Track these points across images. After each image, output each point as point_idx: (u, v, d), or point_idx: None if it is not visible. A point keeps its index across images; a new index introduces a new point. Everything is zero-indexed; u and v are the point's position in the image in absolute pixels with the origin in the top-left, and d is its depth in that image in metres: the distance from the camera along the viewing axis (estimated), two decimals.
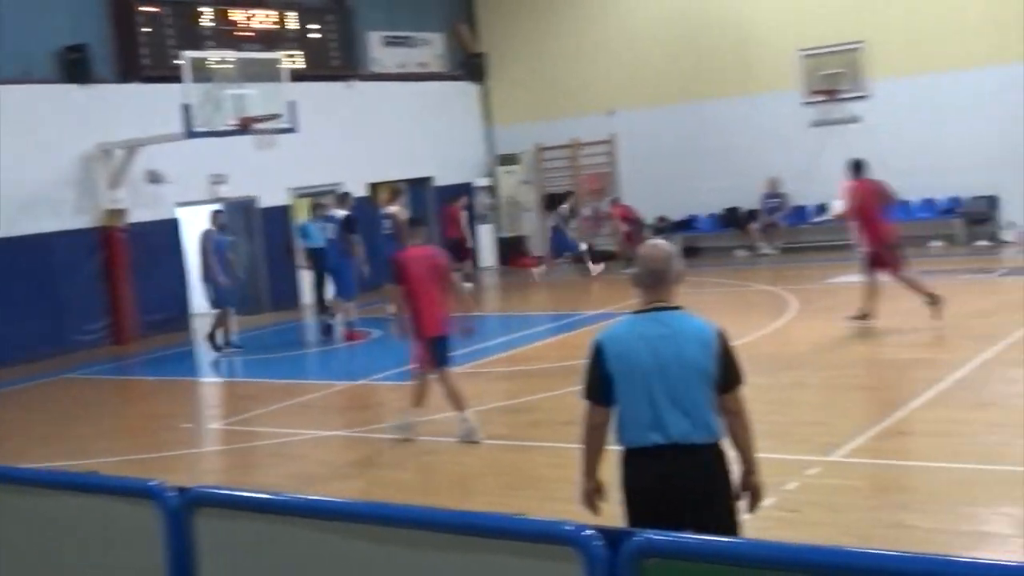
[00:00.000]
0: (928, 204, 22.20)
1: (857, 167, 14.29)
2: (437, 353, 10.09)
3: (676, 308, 4.98)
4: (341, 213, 17.26)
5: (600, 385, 4.99)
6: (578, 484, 5.24)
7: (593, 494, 5.23)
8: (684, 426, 4.82)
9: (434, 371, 10.18)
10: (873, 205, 13.70)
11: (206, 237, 16.51)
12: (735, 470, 5.04)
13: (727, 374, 4.91)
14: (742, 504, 5.05)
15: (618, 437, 5.01)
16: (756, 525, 7.13)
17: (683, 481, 4.81)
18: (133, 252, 19.05)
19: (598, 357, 4.98)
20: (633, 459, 4.94)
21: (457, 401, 10.14)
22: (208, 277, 16.51)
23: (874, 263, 13.71)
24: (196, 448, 10.94)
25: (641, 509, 4.89)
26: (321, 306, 19.09)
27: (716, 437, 4.90)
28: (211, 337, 16.57)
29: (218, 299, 16.49)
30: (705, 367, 4.85)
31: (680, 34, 24.20)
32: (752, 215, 23.59)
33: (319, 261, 17.64)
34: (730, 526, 4.90)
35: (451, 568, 3.38)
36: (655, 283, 4.99)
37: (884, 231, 13.79)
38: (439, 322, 10.03)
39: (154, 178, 19.40)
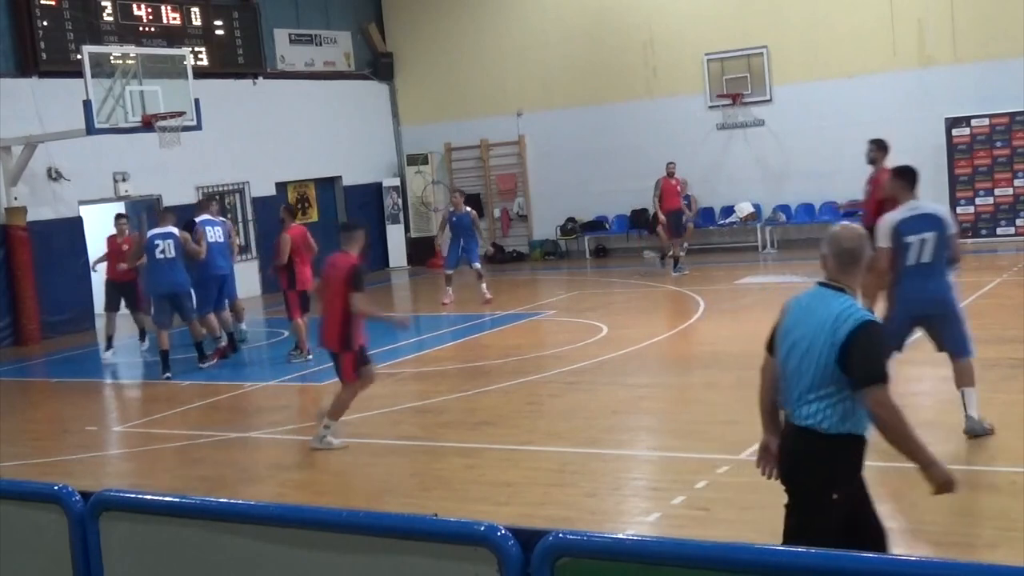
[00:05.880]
0: (831, 207, 22.62)
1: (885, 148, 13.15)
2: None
3: (839, 289, 4.96)
4: None
5: (771, 338, 5.21)
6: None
7: (765, 451, 5.33)
8: (792, 403, 4.95)
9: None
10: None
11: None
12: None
13: (850, 366, 4.80)
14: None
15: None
16: (667, 523, 7.22)
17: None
18: (35, 251, 18.63)
19: (780, 314, 5.15)
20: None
21: None
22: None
23: None
24: (101, 451, 10.73)
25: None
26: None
27: (818, 424, 4.86)
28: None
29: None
30: (827, 352, 4.81)
31: (587, 37, 24.35)
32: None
33: None
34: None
35: (365, 570, 3.36)
36: (831, 261, 5.03)
37: None
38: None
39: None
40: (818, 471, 4.87)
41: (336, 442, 9.88)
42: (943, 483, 4.96)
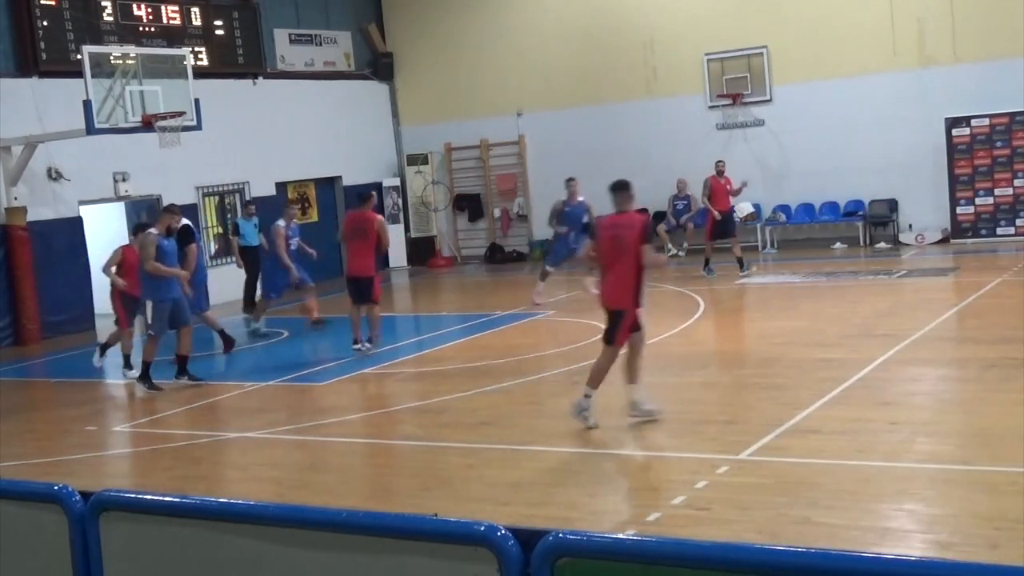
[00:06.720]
0: (831, 207, 22.64)
1: None
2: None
3: None
4: None
5: None
6: None
7: None
8: None
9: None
10: None
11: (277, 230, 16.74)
12: None
13: None
14: None
15: None
16: (667, 523, 7.21)
17: None
18: (35, 251, 18.63)
19: None
20: None
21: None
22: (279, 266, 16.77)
23: None
24: (101, 451, 10.73)
25: None
26: (247, 305, 18.97)
27: None
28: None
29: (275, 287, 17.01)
30: None
31: (587, 37, 24.35)
32: (660, 217, 23.81)
33: (251, 260, 18.34)
34: None
35: (365, 570, 3.35)
36: None
37: None
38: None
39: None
40: None
41: (591, 421, 9.61)
42: None
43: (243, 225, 18.90)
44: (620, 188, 10.09)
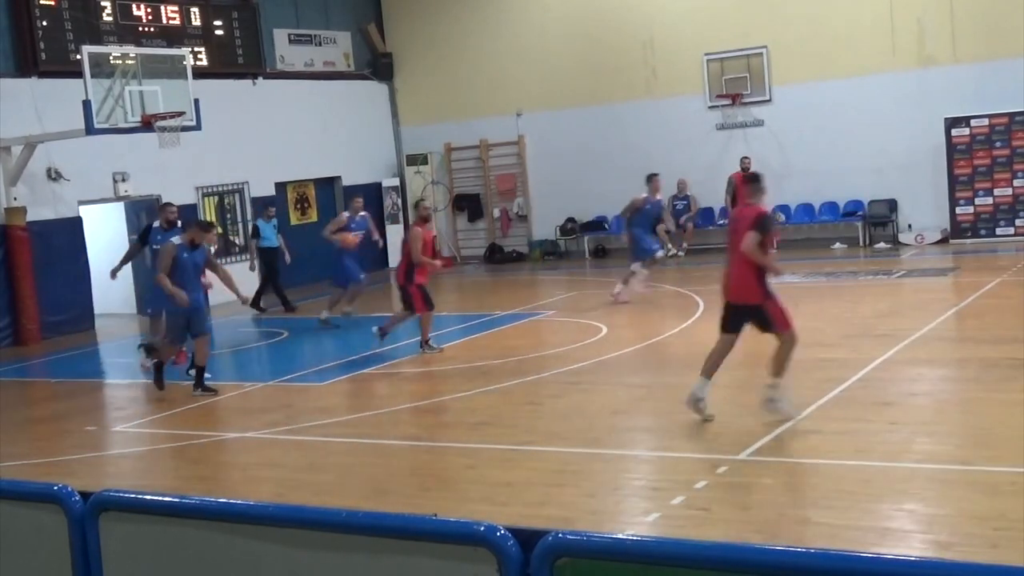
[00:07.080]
0: (831, 207, 22.65)
1: None
2: None
3: None
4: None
5: None
6: None
7: None
8: None
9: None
10: None
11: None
12: None
13: None
14: None
15: None
16: (666, 523, 7.22)
17: None
18: (34, 251, 18.63)
19: None
20: None
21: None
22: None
23: None
24: (101, 451, 10.73)
25: None
26: (257, 302, 18.97)
27: None
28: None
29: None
30: None
31: (587, 37, 24.36)
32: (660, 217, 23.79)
33: (271, 261, 18.97)
34: None
35: (365, 570, 3.35)
36: None
37: None
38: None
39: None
40: None
41: (785, 406, 9.32)
42: None
43: (263, 227, 19.13)
44: (750, 180, 10.01)
